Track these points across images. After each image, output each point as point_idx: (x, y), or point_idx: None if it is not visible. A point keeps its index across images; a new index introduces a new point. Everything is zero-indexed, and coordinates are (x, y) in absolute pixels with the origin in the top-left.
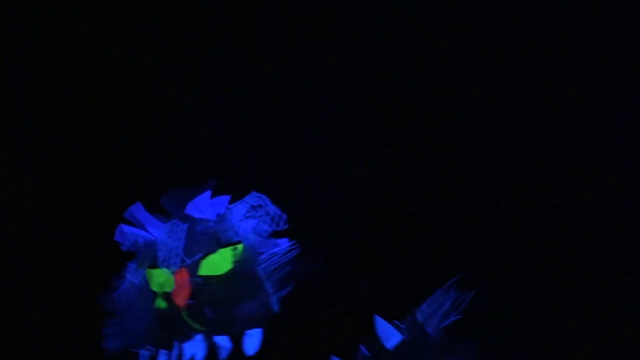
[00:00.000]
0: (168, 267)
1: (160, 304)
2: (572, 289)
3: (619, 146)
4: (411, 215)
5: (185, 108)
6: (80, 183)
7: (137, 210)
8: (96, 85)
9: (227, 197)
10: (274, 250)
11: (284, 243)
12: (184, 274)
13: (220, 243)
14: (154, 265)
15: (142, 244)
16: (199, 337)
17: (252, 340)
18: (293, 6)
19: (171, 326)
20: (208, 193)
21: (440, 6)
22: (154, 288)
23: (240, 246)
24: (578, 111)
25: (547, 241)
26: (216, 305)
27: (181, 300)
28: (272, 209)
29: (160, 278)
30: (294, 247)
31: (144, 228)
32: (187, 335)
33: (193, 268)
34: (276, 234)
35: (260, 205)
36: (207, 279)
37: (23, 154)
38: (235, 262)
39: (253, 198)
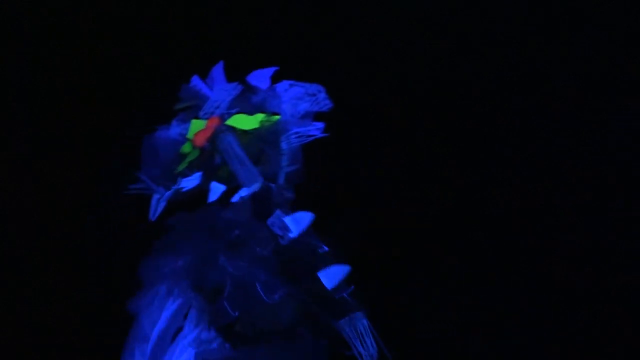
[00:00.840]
0: (205, 117)
1: (185, 147)
2: (572, 289)
3: (618, 146)
4: (411, 215)
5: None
6: (80, 183)
7: (217, 69)
8: (96, 85)
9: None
10: (304, 129)
11: (317, 125)
12: (214, 121)
13: (261, 109)
14: (196, 117)
15: (197, 98)
16: (197, 175)
17: (243, 192)
18: (293, 6)
19: (193, 168)
20: (274, 69)
21: (440, 6)
22: (189, 135)
23: (275, 117)
24: (578, 111)
25: (547, 241)
26: (226, 156)
27: (199, 140)
28: (323, 96)
29: (198, 127)
30: (320, 129)
31: (210, 86)
32: (189, 172)
33: (224, 118)
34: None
35: (313, 94)
36: (231, 129)
37: (23, 154)
38: (263, 124)
39: (312, 87)
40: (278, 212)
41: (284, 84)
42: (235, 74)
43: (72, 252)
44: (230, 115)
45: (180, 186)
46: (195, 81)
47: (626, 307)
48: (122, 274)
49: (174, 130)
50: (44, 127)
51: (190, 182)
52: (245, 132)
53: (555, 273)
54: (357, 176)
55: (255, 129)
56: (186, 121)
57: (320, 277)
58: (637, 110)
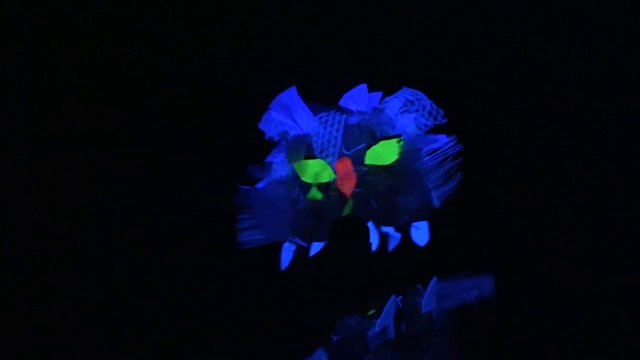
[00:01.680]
0: (325, 157)
1: (316, 194)
2: (572, 289)
3: (618, 146)
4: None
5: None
6: (80, 183)
7: (290, 95)
8: (96, 85)
9: (380, 92)
10: (434, 145)
11: (442, 138)
12: (348, 163)
13: (376, 137)
14: (309, 156)
15: (291, 136)
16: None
17: (421, 231)
18: (293, 6)
19: (323, 217)
20: (364, 86)
21: (440, 6)
22: (307, 179)
23: (401, 139)
24: (578, 111)
25: (547, 241)
26: (380, 195)
27: (348, 188)
28: (428, 102)
29: (316, 168)
30: (452, 141)
31: (292, 117)
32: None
33: (357, 157)
34: (434, 129)
35: (416, 100)
36: (372, 168)
37: (23, 154)
38: (400, 154)
39: (406, 93)
40: None
41: (377, 97)
42: (235, 74)
43: (72, 252)
44: (357, 151)
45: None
46: (272, 115)
47: (626, 307)
48: (122, 274)
49: (277, 174)
50: (44, 127)
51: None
52: (386, 168)
53: (555, 273)
54: None
55: (395, 161)
56: (282, 161)
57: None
58: (637, 110)
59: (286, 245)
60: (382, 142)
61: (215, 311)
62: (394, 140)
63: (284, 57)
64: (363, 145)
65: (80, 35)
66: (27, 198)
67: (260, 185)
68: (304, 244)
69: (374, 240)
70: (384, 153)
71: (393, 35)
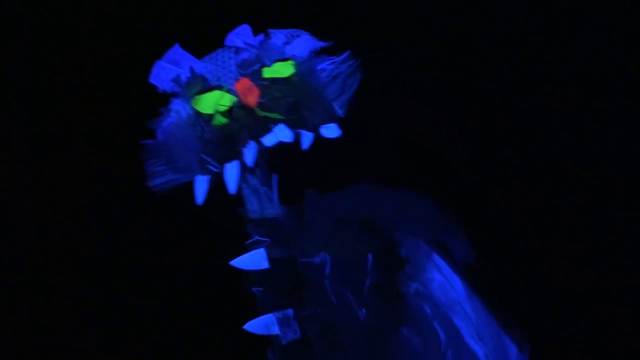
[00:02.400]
0: (221, 86)
1: (220, 119)
2: (572, 289)
3: (618, 146)
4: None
5: None
6: (80, 183)
7: (176, 51)
8: (96, 85)
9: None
10: (326, 63)
11: (334, 58)
12: (246, 81)
13: (265, 63)
14: (205, 90)
15: (185, 77)
16: (280, 126)
17: (331, 129)
18: (291, 6)
19: (234, 137)
20: (246, 26)
21: (440, 6)
22: (208, 110)
23: (295, 59)
24: (578, 111)
25: (547, 241)
26: (284, 107)
27: (252, 99)
28: (310, 37)
29: (214, 98)
30: (346, 58)
31: (181, 67)
32: (264, 130)
33: (255, 75)
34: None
35: (298, 35)
36: (273, 80)
37: (23, 154)
38: (297, 66)
39: (287, 31)
40: None
41: (261, 37)
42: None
43: (72, 252)
44: (253, 71)
45: (265, 144)
46: (162, 64)
47: (626, 307)
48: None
49: (177, 117)
50: (44, 127)
51: (278, 135)
52: (286, 80)
53: (555, 273)
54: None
55: (292, 75)
56: (180, 104)
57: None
58: (637, 110)
59: (198, 177)
60: (276, 63)
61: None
62: (288, 61)
63: None
64: (258, 66)
65: (80, 35)
66: (27, 198)
67: (161, 132)
68: (217, 168)
69: (286, 135)
70: (280, 69)
71: (392, 35)
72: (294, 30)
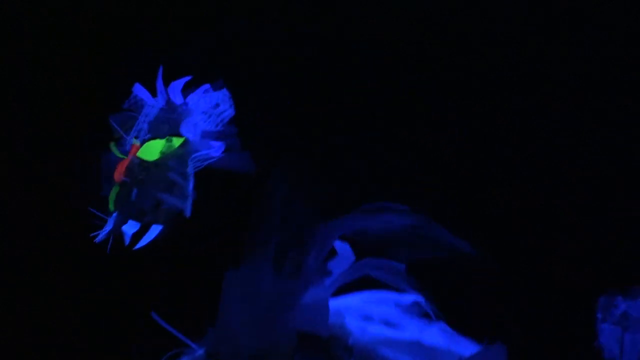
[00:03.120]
0: (135, 135)
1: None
2: (572, 289)
3: (618, 147)
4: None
5: None
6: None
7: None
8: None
9: (205, 86)
10: (208, 151)
11: (219, 146)
12: (134, 150)
13: (175, 129)
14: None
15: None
16: (112, 217)
17: (148, 234)
18: (290, 5)
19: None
20: (186, 79)
21: (440, 6)
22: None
23: (177, 140)
24: (578, 111)
25: (547, 241)
26: (141, 190)
27: (117, 175)
28: (229, 112)
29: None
30: (220, 149)
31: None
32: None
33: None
34: (216, 136)
35: (222, 102)
36: (142, 161)
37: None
38: (164, 153)
39: (220, 94)
40: None
41: (197, 95)
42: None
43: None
44: (143, 141)
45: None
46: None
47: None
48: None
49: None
50: (43, 126)
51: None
52: (155, 164)
53: (555, 273)
54: (354, 175)
55: (160, 159)
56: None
57: None
58: (637, 110)
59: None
60: (154, 141)
61: None
62: (165, 139)
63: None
64: (149, 136)
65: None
66: (26, 198)
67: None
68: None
69: (106, 229)
70: (153, 148)
71: (392, 35)
72: (225, 95)
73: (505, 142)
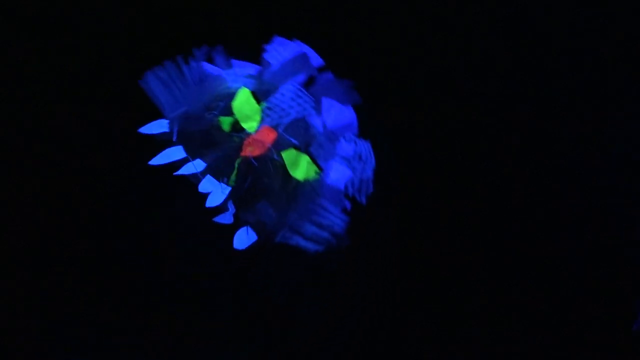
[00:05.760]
0: (265, 114)
1: (225, 124)
2: (573, 289)
3: (618, 147)
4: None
5: None
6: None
7: (304, 53)
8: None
9: (355, 129)
10: (333, 208)
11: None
12: (272, 137)
13: (308, 147)
14: (258, 98)
15: (274, 70)
16: (225, 188)
17: (246, 238)
18: (289, 4)
19: (210, 144)
20: (351, 113)
21: (440, 5)
22: (235, 110)
23: (319, 174)
24: (578, 111)
25: (547, 241)
26: (259, 183)
27: (250, 151)
28: (368, 175)
29: (249, 111)
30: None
31: (286, 62)
32: (219, 173)
33: (281, 142)
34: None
35: (362, 161)
36: (278, 163)
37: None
38: (306, 181)
39: (366, 150)
40: None
41: (344, 134)
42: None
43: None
44: (284, 139)
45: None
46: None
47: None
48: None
49: (223, 76)
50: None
51: (213, 191)
52: (287, 175)
53: (555, 273)
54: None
55: (294, 181)
56: (238, 75)
57: None
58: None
59: (162, 121)
60: (307, 157)
61: None
62: (315, 167)
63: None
64: (296, 142)
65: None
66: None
67: (207, 66)
68: (175, 138)
69: (215, 200)
70: (299, 165)
71: (392, 35)
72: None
73: (506, 142)
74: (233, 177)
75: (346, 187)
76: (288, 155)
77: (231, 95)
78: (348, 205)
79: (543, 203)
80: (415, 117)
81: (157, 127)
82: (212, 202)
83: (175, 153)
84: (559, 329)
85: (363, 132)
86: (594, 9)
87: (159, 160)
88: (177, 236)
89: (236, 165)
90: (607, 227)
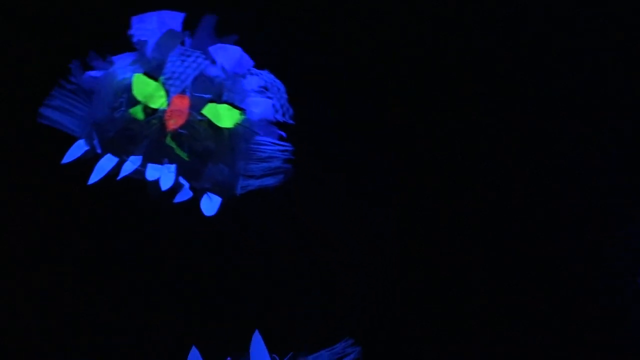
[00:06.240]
0: (168, 86)
1: (138, 113)
2: (573, 289)
3: (618, 147)
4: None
5: None
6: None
7: (175, 17)
8: None
9: (251, 62)
10: (269, 138)
11: (280, 139)
12: (185, 102)
13: (222, 97)
14: (152, 76)
15: (152, 45)
16: (170, 167)
17: (211, 203)
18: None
19: (134, 138)
20: (238, 48)
21: (440, 5)
22: (138, 96)
23: (244, 115)
24: (578, 111)
25: (547, 241)
26: (195, 149)
27: (174, 123)
28: (284, 97)
29: (151, 90)
30: (286, 146)
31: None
32: (157, 158)
33: (197, 103)
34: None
35: (275, 89)
36: (205, 121)
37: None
38: (236, 126)
39: (270, 77)
40: None
41: (245, 66)
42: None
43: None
44: (200, 98)
45: (146, 172)
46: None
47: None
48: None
49: (114, 73)
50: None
51: (162, 173)
52: (217, 129)
53: (555, 273)
54: (355, 174)
55: (228, 129)
56: (125, 66)
57: None
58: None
59: (80, 142)
60: (226, 105)
61: None
62: (237, 111)
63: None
64: (209, 96)
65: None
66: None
67: (90, 74)
68: (99, 149)
69: (168, 180)
70: (223, 115)
71: (393, 34)
72: (277, 82)
73: (506, 142)
74: (173, 153)
75: (271, 115)
76: (208, 110)
77: (128, 87)
78: (280, 132)
79: (543, 203)
80: (415, 117)
81: (76, 150)
82: (165, 184)
83: (107, 163)
84: (559, 329)
85: (363, 132)
86: (594, 9)
87: (96, 176)
88: (154, 229)
89: (168, 142)
90: (607, 227)
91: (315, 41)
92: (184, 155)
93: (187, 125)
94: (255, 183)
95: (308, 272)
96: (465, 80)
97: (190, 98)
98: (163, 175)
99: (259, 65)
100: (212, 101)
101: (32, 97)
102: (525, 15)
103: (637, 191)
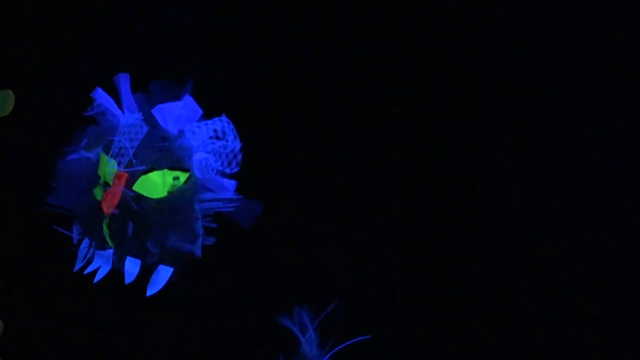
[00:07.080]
0: (118, 161)
1: (97, 193)
2: (573, 289)
3: (618, 147)
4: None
5: None
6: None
7: (124, 80)
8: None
9: (198, 112)
10: (219, 193)
11: (231, 187)
12: (122, 180)
13: (170, 159)
14: (106, 151)
15: (106, 119)
16: (109, 252)
17: (159, 277)
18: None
19: (94, 219)
20: (182, 102)
21: (440, 5)
22: (100, 173)
23: (184, 176)
24: (578, 111)
25: (547, 241)
26: (139, 226)
27: (107, 206)
28: (233, 144)
29: (107, 167)
30: (238, 197)
31: (118, 102)
32: (101, 245)
33: (131, 178)
34: (225, 175)
35: (223, 134)
36: (139, 196)
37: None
38: (171, 193)
39: (221, 124)
40: None
41: (191, 119)
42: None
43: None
44: (136, 171)
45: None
46: (99, 92)
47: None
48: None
49: (84, 154)
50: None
51: (103, 260)
52: (153, 201)
53: (555, 273)
54: (355, 174)
55: (164, 198)
56: (96, 144)
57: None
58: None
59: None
60: (162, 172)
61: None
62: (171, 174)
63: None
64: (143, 167)
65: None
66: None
67: (70, 157)
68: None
69: (105, 267)
70: (156, 184)
71: (393, 34)
72: (229, 128)
73: (505, 142)
74: (107, 238)
75: (215, 168)
76: (139, 185)
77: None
78: (228, 183)
79: (543, 203)
80: (415, 117)
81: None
82: (100, 274)
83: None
84: (559, 329)
85: (363, 132)
86: (594, 9)
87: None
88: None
89: (104, 227)
90: (607, 227)
91: (315, 41)
92: (109, 241)
93: (120, 204)
94: (206, 241)
95: (308, 272)
96: (465, 80)
97: (128, 174)
98: (104, 263)
99: (214, 109)
100: (147, 171)
101: (32, 97)
102: (525, 15)
103: (637, 191)
